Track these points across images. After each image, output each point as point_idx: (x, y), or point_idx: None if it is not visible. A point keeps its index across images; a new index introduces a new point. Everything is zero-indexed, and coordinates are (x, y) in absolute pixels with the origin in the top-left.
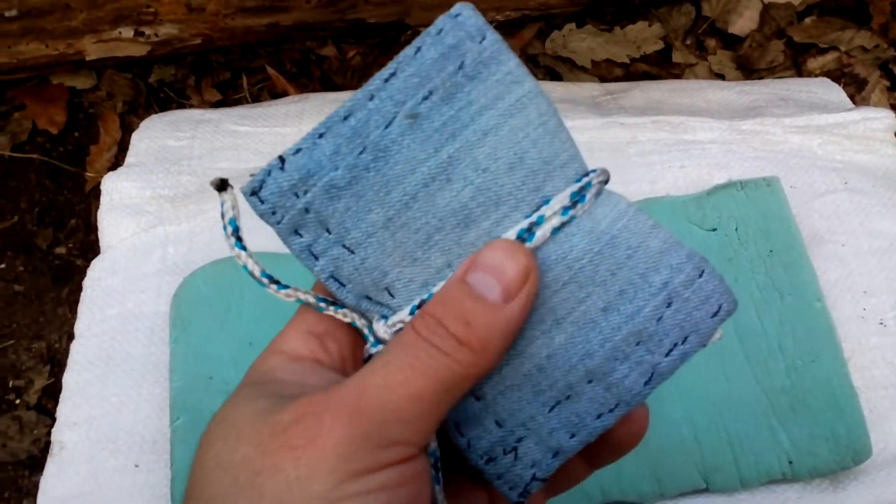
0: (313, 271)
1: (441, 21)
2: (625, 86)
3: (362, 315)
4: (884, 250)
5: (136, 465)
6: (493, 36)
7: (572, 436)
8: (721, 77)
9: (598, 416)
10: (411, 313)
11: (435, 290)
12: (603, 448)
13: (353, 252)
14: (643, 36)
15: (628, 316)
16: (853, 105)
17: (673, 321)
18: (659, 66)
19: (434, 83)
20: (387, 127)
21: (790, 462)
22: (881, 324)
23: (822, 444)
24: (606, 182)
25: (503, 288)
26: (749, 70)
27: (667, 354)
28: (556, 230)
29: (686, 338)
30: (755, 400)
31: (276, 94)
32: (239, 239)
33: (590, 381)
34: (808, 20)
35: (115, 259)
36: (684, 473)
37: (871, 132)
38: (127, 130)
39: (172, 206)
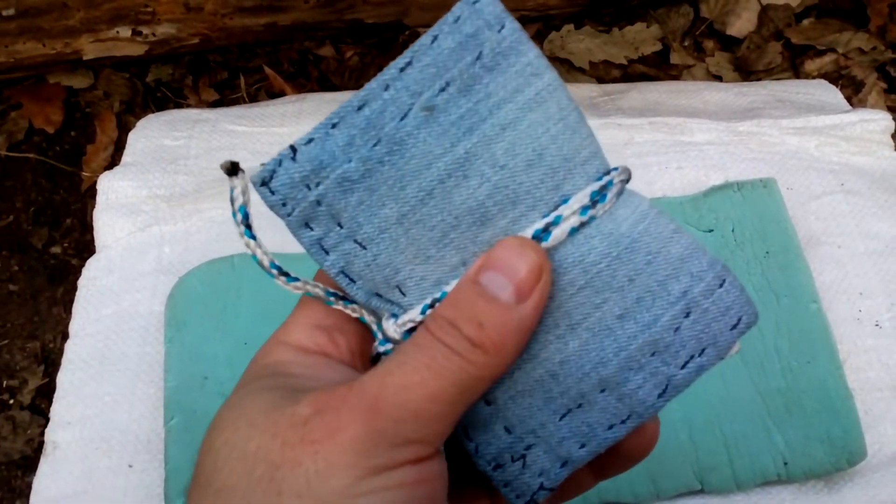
0: (323, 266)
1: (458, 8)
2: (622, 87)
3: (371, 311)
4: (880, 252)
5: (130, 465)
6: (512, 24)
7: (582, 446)
8: (719, 78)
9: (610, 427)
10: (423, 312)
11: (448, 288)
12: (611, 459)
13: (364, 248)
14: (641, 37)
15: (645, 325)
16: (850, 107)
17: (691, 332)
18: (657, 68)
19: (451, 74)
20: (402, 119)
21: (785, 463)
22: (877, 325)
23: (818, 446)
24: (628, 180)
25: (515, 287)
26: (747, 71)
27: (683, 367)
28: (574, 230)
29: (703, 350)
30: (751, 401)
31: (274, 94)
32: (248, 227)
33: (602, 391)
34: (805, 22)
35: (110, 258)
36: (680, 474)
37: (868, 134)
38: (124, 130)
39: (168, 206)
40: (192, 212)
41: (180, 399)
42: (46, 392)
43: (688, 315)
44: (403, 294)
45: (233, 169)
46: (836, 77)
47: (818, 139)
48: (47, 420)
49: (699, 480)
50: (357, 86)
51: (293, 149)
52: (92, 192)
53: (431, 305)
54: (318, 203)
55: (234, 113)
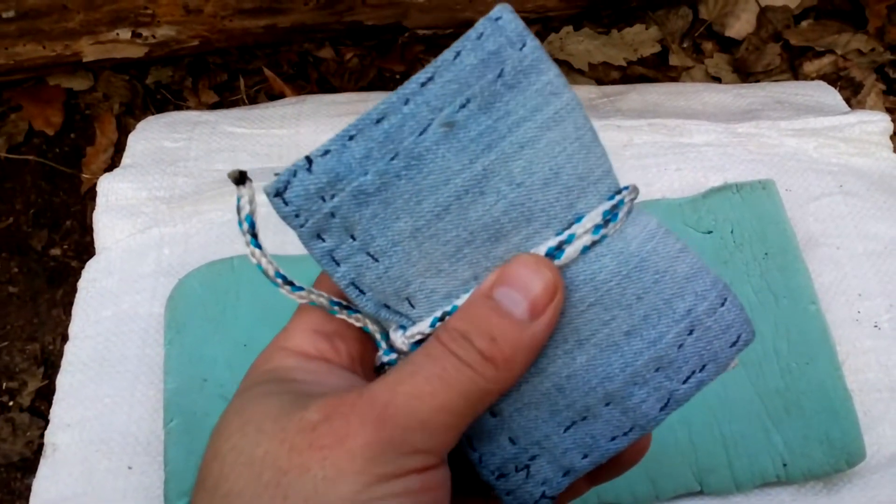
0: (334, 277)
1: (482, 25)
2: (621, 88)
3: (375, 321)
4: (878, 253)
5: (130, 467)
6: (533, 43)
7: (584, 456)
8: (717, 80)
9: (613, 439)
10: (432, 325)
11: (459, 302)
12: (606, 466)
13: (377, 260)
14: (640, 39)
15: (651, 342)
16: (849, 108)
17: (693, 349)
18: (656, 69)
19: (472, 91)
20: (421, 134)
21: (784, 464)
22: (875, 327)
23: (817, 447)
24: (635, 199)
25: (530, 304)
26: (745, 73)
27: (684, 382)
28: (586, 249)
29: (704, 366)
30: (750, 402)
31: (274, 96)
32: (255, 236)
33: (607, 404)
34: (804, 23)
35: (110, 260)
36: (679, 475)
37: (867, 135)
38: (123, 132)
39: (168, 208)
40: (191, 213)
41: (180, 401)
42: (46, 394)
43: (691, 332)
44: (413, 306)
45: (241, 178)
46: (834, 78)
47: (817, 141)
48: (47, 422)
49: (698, 481)
50: (357, 88)
51: (309, 160)
52: (92, 194)
53: (441, 318)
54: (332, 215)
55: (233, 115)
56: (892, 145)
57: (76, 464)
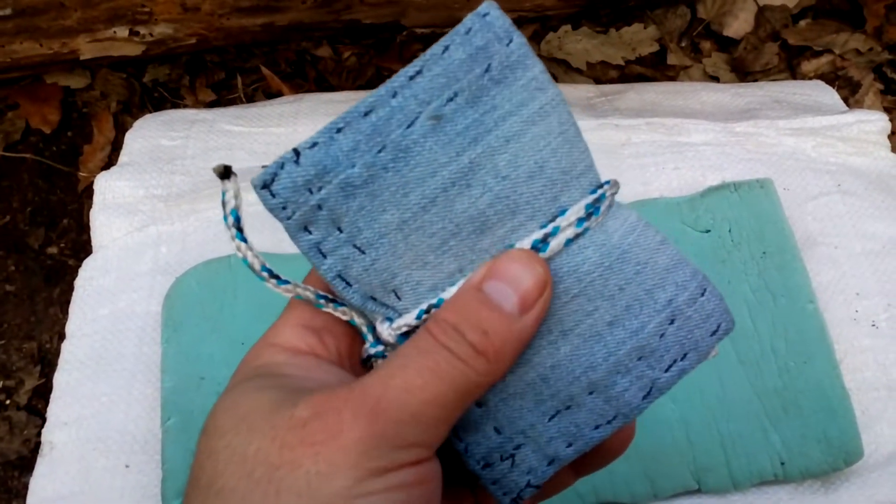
0: (320, 270)
1: (470, 20)
2: (619, 87)
3: (361, 314)
4: (876, 252)
5: (127, 466)
6: (519, 39)
7: (569, 445)
8: (715, 79)
9: (596, 427)
10: (418, 317)
11: (445, 294)
12: (591, 456)
13: (363, 252)
14: (638, 38)
15: (633, 331)
16: (847, 108)
17: (674, 338)
18: (654, 68)
19: (460, 85)
20: (409, 126)
21: (782, 463)
22: (873, 326)
23: (814, 446)
24: (616, 193)
25: (520, 299)
26: (743, 72)
27: (666, 370)
28: (569, 241)
29: (685, 355)
30: (748, 401)
31: (271, 95)
32: (240, 230)
33: (591, 393)
34: (802, 23)
35: (107, 258)
36: (677, 474)
37: (865, 135)
38: (121, 130)
39: (165, 206)
40: (188, 212)
41: (177, 399)
42: (43, 392)
43: (672, 322)
44: (399, 298)
45: (225, 173)
46: (832, 78)
47: (815, 140)
48: (44, 420)
49: (696, 480)
50: (354, 86)
51: (296, 152)
52: (89, 193)
53: (427, 310)
54: (319, 207)
55: (231, 113)
56: (889, 144)
57: (73, 462)
